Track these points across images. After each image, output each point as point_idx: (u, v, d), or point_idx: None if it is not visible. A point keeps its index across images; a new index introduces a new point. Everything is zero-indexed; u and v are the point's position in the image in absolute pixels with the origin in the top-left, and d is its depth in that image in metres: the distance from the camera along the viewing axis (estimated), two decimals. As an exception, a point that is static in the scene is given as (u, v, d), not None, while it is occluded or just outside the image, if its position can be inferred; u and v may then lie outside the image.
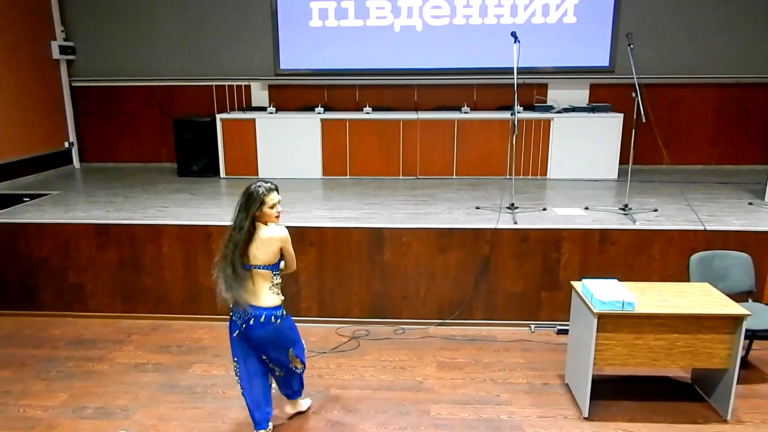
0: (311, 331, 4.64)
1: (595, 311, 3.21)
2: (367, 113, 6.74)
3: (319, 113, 6.71)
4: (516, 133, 4.81)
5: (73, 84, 7.52)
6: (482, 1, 7.03)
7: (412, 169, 6.65)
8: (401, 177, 6.66)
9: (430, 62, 7.20)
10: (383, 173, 6.67)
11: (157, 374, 4.01)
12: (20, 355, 4.29)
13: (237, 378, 3.20)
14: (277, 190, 3.09)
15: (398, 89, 7.29)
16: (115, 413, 3.53)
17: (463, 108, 6.78)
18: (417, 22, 7.14)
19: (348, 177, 6.67)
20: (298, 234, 4.63)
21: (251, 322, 3.05)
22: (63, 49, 7.27)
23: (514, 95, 4.86)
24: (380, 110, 6.94)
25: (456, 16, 7.09)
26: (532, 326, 4.61)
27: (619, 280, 3.48)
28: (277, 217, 3.09)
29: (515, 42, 4.91)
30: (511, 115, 4.80)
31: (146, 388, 3.82)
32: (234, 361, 3.20)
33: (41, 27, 7.02)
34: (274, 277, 3.11)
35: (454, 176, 6.63)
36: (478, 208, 5.14)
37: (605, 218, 4.77)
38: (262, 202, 2.98)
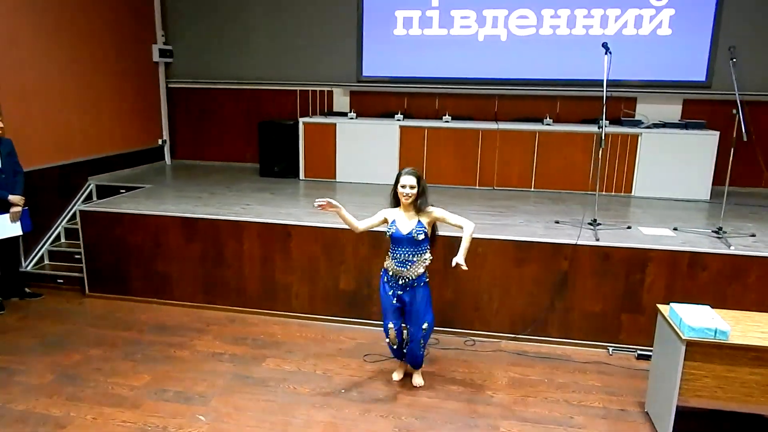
0: (380, 336, 4.62)
1: (683, 338, 3.03)
2: (446, 122, 6.73)
3: (398, 120, 6.77)
4: (603, 147, 4.63)
5: (169, 85, 7.99)
6: (571, 12, 6.85)
7: (488, 180, 6.56)
8: (477, 187, 6.58)
9: (513, 72, 7.09)
10: (459, 182, 6.62)
11: (232, 365, 4.16)
12: (111, 336, 4.59)
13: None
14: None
15: (479, 99, 7.23)
16: (193, 398, 3.69)
17: (545, 120, 6.62)
18: (502, 32, 7.06)
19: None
20: (372, 238, 4.71)
21: None
22: (162, 53, 7.75)
23: (602, 108, 4.69)
24: (460, 119, 6.90)
25: (543, 27, 6.95)
26: (610, 349, 4.41)
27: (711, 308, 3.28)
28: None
29: (606, 53, 4.75)
30: (598, 128, 4.63)
31: (222, 377, 3.97)
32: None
33: (144, 32, 7.52)
34: None
35: (533, 189, 6.48)
36: (557, 222, 5.00)
37: (696, 240, 4.50)
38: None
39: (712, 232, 4.63)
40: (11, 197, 4.83)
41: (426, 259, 3.63)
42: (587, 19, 6.85)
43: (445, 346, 4.50)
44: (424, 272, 3.66)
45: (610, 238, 4.50)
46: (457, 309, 4.67)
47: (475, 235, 4.52)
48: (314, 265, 4.89)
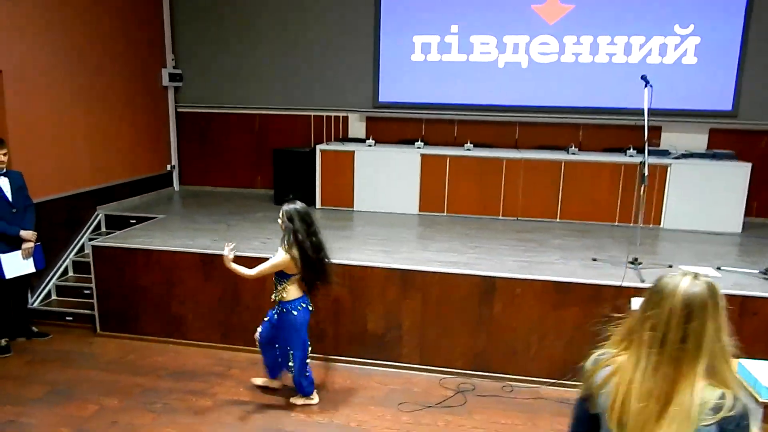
0: (413, 380, 4.42)
1: (761, 400, 2.81)
2: (468, 150, 6.55)
3: (419, 148, 6.58)
4: (646, 184, 4.45)
5: (179, 110, 7.77)
6: (594, 39, 6.73)
7: (512, 210, 6.37)
8: (500, 217, 6.38)
9: (534, 100, 6.94)
10: (481, 212, 6.42)
11: (260, 415, 3.90)
12: (125, 383, 4.31)
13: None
14: None
15: (498, 126, 7.07)
16: (222, 458, 3.43)
17: (570, 149, 6.45)
18: (522, 59, 6.92)
19: (445, 214, 6.47)
20: (402, 277, 4.49)
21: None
22: (172, 77, 7.55)
23: (644, 143, 4.52)
24: (480, 147, 6.73)
25: (564, 54, 6.82)
26: (657, 397, 4.18)
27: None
28: None
29: (646, 86, 4.59)
30: (641, 164, 4.45)
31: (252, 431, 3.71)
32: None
33: (154, 55, 7.32)
34: None
35: (558, 220, 6.28)
36: (594, 260, 4.80)
37: (745, 282, 4.30)
38: None
39: (760, 273, 4.43)
40: (23, 233, 4.58)
41: (283, 289, 3.75)
42: (610, 47, 6.73)
43: (482, 392, 4.25)
44: (290, 301, 3.74)
45: (654, 278, 4.29)
46: (492, 352, 4.44)
47: (513, 275, 4.34)
48: (340, 305, 4.65)
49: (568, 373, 4.28)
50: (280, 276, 3.74)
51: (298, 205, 3.75)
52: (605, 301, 4.21)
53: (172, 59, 7.61)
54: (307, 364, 3.94)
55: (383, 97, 7.30)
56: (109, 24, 6.36)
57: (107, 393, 4.16)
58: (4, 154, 4.54)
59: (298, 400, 4.06)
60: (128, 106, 6.79)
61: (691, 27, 6.52)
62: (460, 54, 7.03)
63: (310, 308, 3.86)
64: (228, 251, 3.73)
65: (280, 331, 3.84)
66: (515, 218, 6.36)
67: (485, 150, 6.62)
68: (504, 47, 6.93)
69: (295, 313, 3.74)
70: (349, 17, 7.19)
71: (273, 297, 3.81)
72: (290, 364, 3.88)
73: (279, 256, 3.67)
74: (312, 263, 3.68)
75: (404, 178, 6.50)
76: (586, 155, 6.38)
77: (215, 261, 4.79)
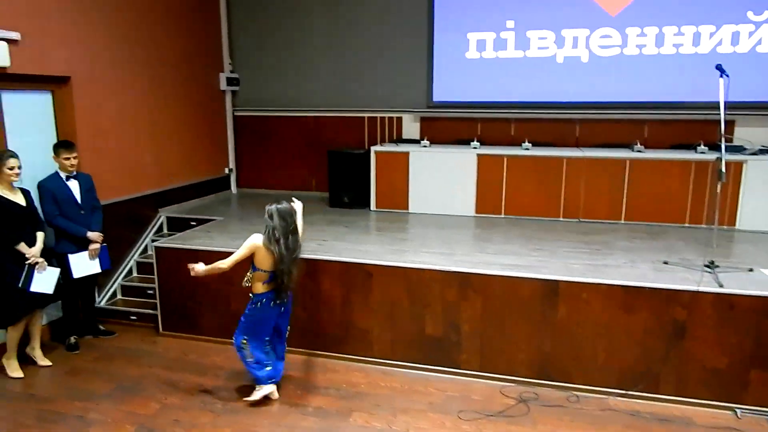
0: (472, 387, 4.29)
1: None
2: (526, 149, 6.34)
3: (475, 148, 6.43)
4: (724, 181, 4.16)
5: (236, 113, 7.91)
6: (659, 30, 6.39)
7: (573, 211, 6.12)
8: (561, 219, 6.15)
9: (595, 95, 6.67)
10: (541, 214, 6.20)
11: (318, 419, 3.86)
12: (187, 382, 4.38)
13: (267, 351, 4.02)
14: None
15: (557, 123, 6.82)
16: (281, 461, 3.41)
17: (635, 146, 6.15)
18: (582, 53, 6.65)
19: (502, 216, 6.29)
20: (461, 279, 4.36)
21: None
22: (229, 81, 7.69)
23: (720, 137, 4.22)
24: (539, 146, 6.50)
25: (627, 46, 6.51)
26: (738, 411, 3.89)
27: None
28: None
29: (721, 76, 4.30)
30: (717, 159, 4.16)
31: (309, 435, 3.68)
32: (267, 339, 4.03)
33: (212, 60, 7.48)
34: None
35: (623, 221, 5.99)
36: (666, 263, 4.52)
37: (837, 288, 3.95)
38: None
39: None
40: (90, 234, 4.73)
41: (253, 279, 3.91)
42: (678, 37, 6.37)
43: (546, 401, 4.07)
44: (257, 294, 3.91)
45: (733, 283, 4.00)
46: (556, 359, 4.24)
47: (578, 279, 4.14)
48: (397, 308, 4.57)
49: (639, 383, 4.05)
50: (254, 268, 3.90)
51: (283, 205, 3.91)
52: (680, 307, 3.95)
53: (230, 64, 7.75)
54: (263, 355, 4.02)
55: (437, 97, 7.19)
56: (169, 31, 6.53)
57: (169, 391, 4.23)
58: (75, 158, 4.71)
59: (258, 394, 4.06)
60: (188, 111, 6.96)
61: (766, 13, 6.09)
62: (517, 50, 6.83)
63: (272, 305, 3.93)
64: (197, 266, 3.91)
65: (250, 324, 3.99)
66: (577, 220, 6.10)
67: (544, 149, 6.39)
68: (563, 41, 6.68)
69: (258, 304, 3.90)
70: (402, 18, 7.13)
71: (243, 284, 3.97)
72: (266, 349, 4.04)
73: (251, 240, 3.84)
74: (283, 261, 3.80)
75: (460, 179, 6.36)
76: (652, 153, 6.05)
77: (272, 262, 4.82)
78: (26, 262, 4.27)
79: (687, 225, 5.82)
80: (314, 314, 4.78)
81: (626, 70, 6.54)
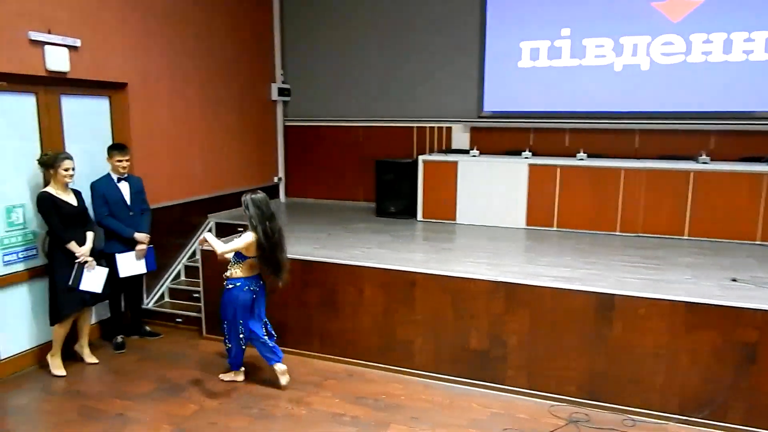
0: (518, 405, 4.05)
1: None
2: (581, 159, 6.08)
3: (526, 158, 6.21)
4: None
5: (286, 123, 8.00)
6: (727, 36, 6.03)
7: (631, 225, 5.78)
8: (618, 233, 5.82)
9: (656, 105, 6.34)
10: (596, 227, 5.90)
11: (354, 429, 3.73)
12: (225, 386, 4.34)
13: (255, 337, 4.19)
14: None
15: (615, 134, 6.52)
16: (314, 470, 3.29)
17: (700, 157, 5.77)
18: (643, 61, 6.35)
19: (555, 229, 6.02)
20: (508, 290, 4.16)
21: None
22: (281, 91, 7.79)
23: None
24: (595, 157, 6.22)
25: (691, 54, 6.17)
26: (819, 446, 3.50)
27: None
28: None
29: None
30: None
31: (344, 445, 3.55)
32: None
33: (264, 71, 7.60)
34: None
35: (686, 236, 5.61)
36: (734, 280, 4.17)
37: None
38: None
39: None
40: (137, 235, 4.82)
41: (233, 267, 4.14)
42: (748, 44, 5.99)
43: (598, 424, 3.79)
44: (234, 278, 4.12)
45: (813, 303, 3.63)
46: (611, 379, 3.96)
47: (636, 293, 3.87)
48: (440, 319, 4.40)
49: (704, 408, 3.71)
50: (238, 256, 4.10)
51: (258, 194, 4.09)
52: (751, 328, 3.61)
53: (281, 74, 7.86)
54: (240, 342, 4.20)
55: (488, 107, 7.03)
56: (223, 41, 6.68)
57: (208, 394, 4.20)
58: (127, 161, 4.82)
59: (225, 376, 4.40)
60: (239, 120, 7.08)
61: None
62: (572, 59, 6.60)
63: (252, 288, 4.13)
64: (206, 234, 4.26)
65: (222, 306, 4.19)
66: (635, 234, 5.76)
67: (601, 160, 6.10)
68: (621, 49, 6.41)
69: (230, 286, 4.10)
70: (453, 28, 7.04)
71: (225, 274, 4.18)
72: (240, 336, 4.18)
73: (246, 237, 4.03)
74: (264, 248, 4.00)
75: (510, 190, 6.15)
76: (719, 165, 5.66)
77: (315, 268, 4.77)
78: (76, 261, 4.36)
79: (758, 242, 5.39)
80: (355, 322, 4.68)
81: (690, 78, 6.19)
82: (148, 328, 5.34)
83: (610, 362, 3.95)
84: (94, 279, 4.45)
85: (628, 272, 4.41)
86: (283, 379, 4.25)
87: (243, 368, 4.42)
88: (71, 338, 4.64)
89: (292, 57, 7.90)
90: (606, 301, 3.93)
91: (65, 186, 4.37)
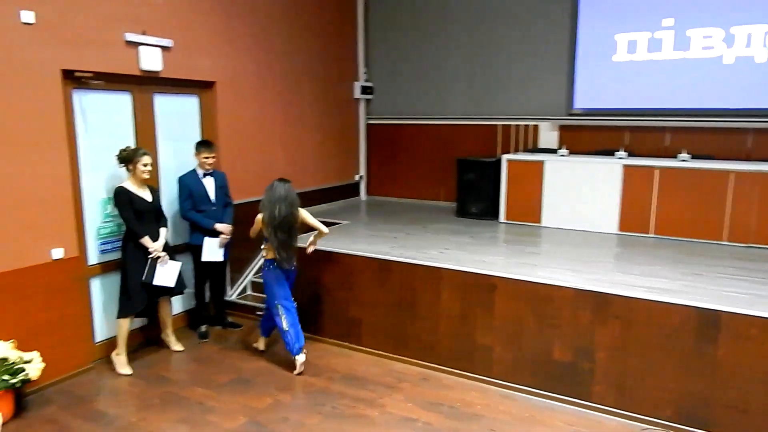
0: (605, 425, 3.75)
1: None
2: (683, 160, 5.58)
3: (620, 158, 5.79)
4: None
5: (368, 121, 7.99)
6: None
7: (741, 234, 5.23)
8: (725, 242, 5.28)
9: (774, 101, 5.71)
10: (698, 235, 5.39)
11: (427, 437, 3.60)
12: (300, 381, 4.36)
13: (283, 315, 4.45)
14: None
15: (724, 133, 5.92)
16: (383, 476, 3.20)
17: (827, 160, 5.12)
18: (758, 53, 5.72)
19: (650, 235, 5.57)
20: (597, 300, 3.86)
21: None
22: (364, 89, 7.79)
23: None
24: (699, 158, 5.69)
25: (820, 42, 5.49)
26: None
27: None
28: None
29: None
30: None
31: (416, 452, 3.43)
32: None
33: (348, 69, 7.63)
34: None
35: (807, 249, 5.00)
36: None
37: None
38: None
39: None
40: (218, 225, 4.94)
41: (264, 249, 4.52)
42: None
43: (697, 453, 3.42)
44: (265, 260, 4.51)
45: None
46: (714, 405, 3.56)
47: (745, 311, 3.45)
48: (521, 326, 4.17)
49: (827, 447, 3.25)
50: (265, 238, 4.46)
51: (278, 182, 4.43)
52: None
53: (365, 72, 7.85)
54: (281, 320, 4.44)
55: (579, 104, 6.63)
56: (308, 41, 6.76)
57: (282, 388, 4.23)
58: (213, 157, 4.97)
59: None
60: (322, 118, 7.14)
61: None
62: (675, 51, 6.07)
63: (271, 267, 4.46)
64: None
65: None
66: (745, 245, 5.20)
67: (706, 161, 5.57)
68: (732, 40, 5.81)
69: (264, 269, 4.48)
70: (542, 23, 6.70)
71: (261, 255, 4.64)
72: (272, 307, 4.54)
73: (257, 218, 4.47)
74: (270, 227, 4.33)
75: (602, 193, 5.76)
76: None
77: (392, 268, 4.68)
78: (149, 256, 4.43)
79: None
80: (431, 324, 4.54)
81: (817, 70, 5.52)
82: (230, 319, 5.50)
83: (712, 386, 3.56)
84: (167, 273, 4.52)
85: (737, 287, 3.96)
86: (299, 367, 4.46)
87: (265, 338, 4.85)
88: (156, 329, 4.86)
89: (375, 55, 7.88)
90: (710, 318, 3.54)
91: (142, 182, 4.43)
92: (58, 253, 4.20)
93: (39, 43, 3.98)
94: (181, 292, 4.81)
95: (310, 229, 4.59)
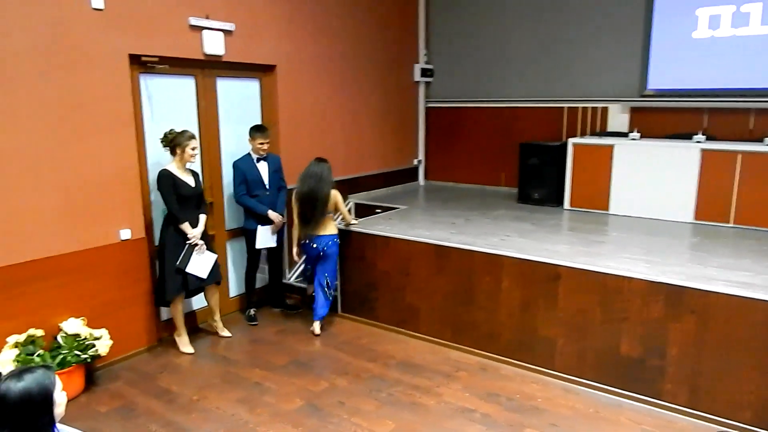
0: (677, 425, 3.53)
1: None
2: (770, 145, 5.14)
3: (698, 142, 5.41)
4: None
5: (428, 105, 7.84)
6: None
7: (835, 225, 4.78)
8: (815, 233, 4.85)
9: None
10: (785, 225, 4.98)
11: (484, 428, 3.50)
12: (356, 366, 4.35)
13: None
14: None
15: (817, 115, 5.42)
16: (439, 466, 3.13)
17: None
18: None
19: (731, 225, 5.19)
20: (670, 293, 3.61)
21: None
22: (424, 72, 7.63)
23: None
24: (788, 142, 5.23)
25: None
26: None
27: None
28: None
29: None
30: None
31: (473, 444, 3.34)
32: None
33: (408, 52, 7.49)
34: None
35: None
36: None
37: None
38: None
39: None
40: (271, 213, 4.98)
41: None
42: None
43: (781, 462, 3.16)
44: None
45: None
46: (801, 410, 3.28)
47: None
48: (587, 318, 3.98)
49: None
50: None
51: (317, 160, 4.77)
52: None
53: (425, 54, 7.70)
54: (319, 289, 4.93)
55: (653, 84, 6.22)
56: (368, 24, 6.67)
57: (339, 372, 4.23)
58: (267, 143, 4.98)
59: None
60: (381, 101, 7.06)
61: None
62: (764, 25, 5.58)
63: (302, 242, 4.87)
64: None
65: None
66: (840, 236, 4.76)
67: (796, 145, 5.12)
68: (834, 11, 5.28)
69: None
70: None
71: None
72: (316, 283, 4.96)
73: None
74: (298, 201, 4.72)
75: (677, 179, 5.40)
76: None
77: (450, 254, 4.58)
78: (187, 242, 4.35)
79: None
80: (490, 313, 4.42)
81: None
82: (289, 301, 5.56)
83: (801, 389, 3.27)
84: (201, 263, 4.43)
85: (832, 282, 3.61)
86: (315, 329, 4.91)
87: (319, 321, 4.93)
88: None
89: (436, 37, 7.69)
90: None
91: (185, 166, 4.37)
92: (125, 234, 4.34)
93: (108, 28, 4.09)
94: (218, 284, 4.74)
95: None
